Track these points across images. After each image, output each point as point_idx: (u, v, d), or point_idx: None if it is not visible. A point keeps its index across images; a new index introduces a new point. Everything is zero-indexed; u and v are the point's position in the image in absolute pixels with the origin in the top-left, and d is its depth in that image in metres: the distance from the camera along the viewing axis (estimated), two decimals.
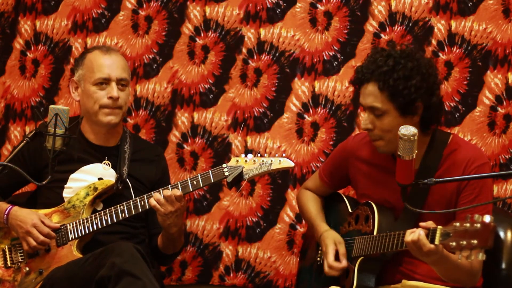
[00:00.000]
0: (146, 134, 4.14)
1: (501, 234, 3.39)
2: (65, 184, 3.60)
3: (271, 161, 3.36)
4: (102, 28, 4.19)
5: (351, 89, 3.97)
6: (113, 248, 3.24)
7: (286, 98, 4.04)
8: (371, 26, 3.96)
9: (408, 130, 2.88)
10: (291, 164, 3.36)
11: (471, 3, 3.86)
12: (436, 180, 2.89)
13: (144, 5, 4.16)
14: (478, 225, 2.63)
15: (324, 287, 3.32)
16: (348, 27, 3.98)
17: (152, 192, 3.44)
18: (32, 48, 4.24)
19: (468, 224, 2.65)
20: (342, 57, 3.99)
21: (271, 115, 4.06)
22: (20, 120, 4.25)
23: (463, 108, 3.88)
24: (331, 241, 3.36)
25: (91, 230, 3.46)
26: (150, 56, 4.16)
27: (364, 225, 3.27)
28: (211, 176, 3.40)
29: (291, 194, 4.03)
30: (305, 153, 4.02)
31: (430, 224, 2.87)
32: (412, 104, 3.11)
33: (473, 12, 3.86)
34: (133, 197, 3.51)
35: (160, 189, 3.44)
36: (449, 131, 3.68)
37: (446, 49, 3.88)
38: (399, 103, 3.10)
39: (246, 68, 4.08)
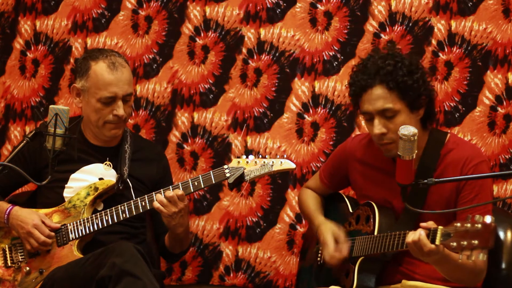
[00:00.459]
0: (146, 134, 4.14)
1: (501, 234, 3.39)
2: (66, 184, 3.60)
3: (273, 162, 3.36)
4: (102, 28, 4.19)
5: None
6: (113, 248, 3.25)
7: (286, 98, 4.04)
8: (371, 26, 3.96)
9: (408, 130, 2.89)
10: (293, 165, 3.36)
11: (471, 3, 3.86)
12: (436, 180, 2.89)
13: (144, 5, 4.16)
14: (479, 225, 2.63)
15: (324, 287, 3.33)
16: (348, 27, 3.99)
17: (153, 192, 3.45)
18: (32, 48, 4.24)
19: (469, 225, 2.65)
20: (342, 57, 3.99)
21: (271, 115, 4.06)
22: (20, 120, 4.25)
23: (463, 108, 3.88)
24: (329, 231, 3.36)
25: (91, 230, 3.46)
26: (150, 56, 4.16)
27: (365, 225, 3.27)
28: (212, 177, 3.40)
29: (291, 194, 4.03)
30: (305, 153, 4.02)
31: (430, 224, 2.88)
32: (419, 97, 3.13)
33: (473, 12, 3.86)
34: (134, 197, 3.51)
35: (162, 189, 3.44)
36: (449, 131, 3.68)
37: (446, 49, 3.88)
38: (410, 98, 3.11)
39: (246, 68, 4.08)
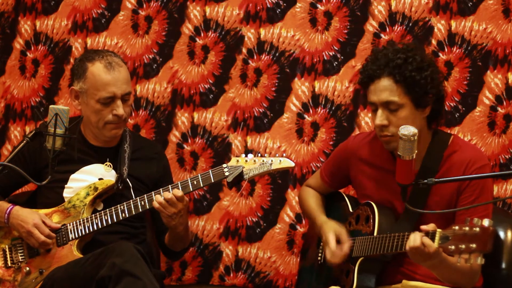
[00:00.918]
0: (146, 134, 4.13)
1: (501, 234, 3.39)
2: (66, 184, 3.60)
3: (272, 161, 3.36)
4: (102, 28, 4.19)
5: (351, 89, 3.97)
6: (113, 248, 3.25)
7: (286, 98, 4.04)
8: (371, 26, 3.96)
9: (408, 130, 2.89)
10: (292, 164, 3.36)
11: (471, 3, 3.86)
12: (436, 180, 2.89)
13: (144, 5, 4.15)
14: (477, 229, 2.61)
15: (324, 287, 3.32)
16: (348, 27, 3.98)
17: (153, 192, 3.45)
18: (32, 48, 4.24)
19: (467, 228, 2.64)
20: (342, 57, 3.99)
21: (271, 115, 4.06)
22: (20, 120, 4.25)
23: (463, 108, 3.88)
24: (331, 230, 3.35)
25: (91, 230, 3.46)
26: (150, 56, 4.15)
27: (365, 225, 3.27)
28: (211, 176, 3.40)
29: (291, 194, 4.03)
30: (305, 153, 4.02)
31: (431, 227, 2.87)
32: (426, 95, 3.13)
33: (473, 12, 3.86)
34: (133, 197, 3.51)
35: (161, 189, 3.44)
36: (449, 131, 3.68)
37: (446, 49, 3.88)
38: (416, 94, 3.11)
39: (246, 68, 4.07)
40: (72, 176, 3.60)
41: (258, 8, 4.06)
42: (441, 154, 3.20)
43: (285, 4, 4.04)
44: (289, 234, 4.04)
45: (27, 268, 3.49)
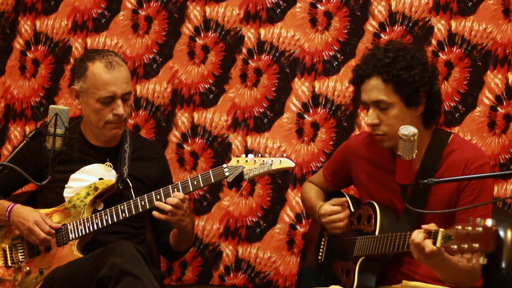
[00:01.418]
0: (146, 134, 4.14)
1: (501, 234, 3.39)
2: (66, 184, 3.60)
3: (272, 161, 3.36)
4: (102, 28, 4.19)
5: (351, 89, 3.97)
6: (113, 248, 3.25)
7: (286, 98, 4.04)
8: (371, 26, 3.96)
9: (408, 130, 2.89)
10: (292, 164, 3.37)
11: (471, 3, 3.86)
12: (436, 180, 2.89)
13: (144, 5, 4.16)
14: (480, 228, 2.61)
15: (324, 287, 3.32)
16: (348, 27, 3.98)
17: (153, 192, 3.45)
18: (32, 48, 4.24)
19: (470, 228, 2.63)
20: (342, 57, 3.99)
21: (271, 115, 4.06)
22: (20, 120, 4.25)
23: (463, 108, 3.88)
24: (326, 203, 3.39)
25: (91, 229, 3.46)
26: (150, 56, 4.16)
27: (366, 225, 3.27)
28: (211, 176, 3.40)
29: (291, 194, 4.03)
30: (305, 153, 4.02)
31: (432, 226, 2.87)
32: (416, 93, 3.13)
33: (473, 12, 3.86)
34: (134, 197, 3.51)
35: (161, 189, 3.43)
36: (449, 131, 3.68)
37: (446, 49, 3.88)
38: (404, 93, 3.12)
39: (246, 68, 4.07)
40: (72, 176, 3.60)
41: (258, 8, 4.06)
42: (440, 153, 3.20)
43: (285, 4, 4.04)
44: (289, 234, 4.04)
45: (27, 268, 3.49)
